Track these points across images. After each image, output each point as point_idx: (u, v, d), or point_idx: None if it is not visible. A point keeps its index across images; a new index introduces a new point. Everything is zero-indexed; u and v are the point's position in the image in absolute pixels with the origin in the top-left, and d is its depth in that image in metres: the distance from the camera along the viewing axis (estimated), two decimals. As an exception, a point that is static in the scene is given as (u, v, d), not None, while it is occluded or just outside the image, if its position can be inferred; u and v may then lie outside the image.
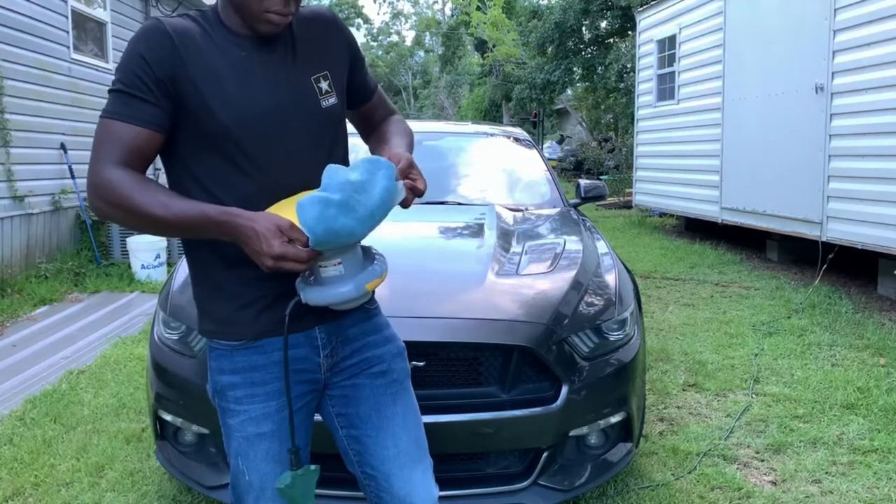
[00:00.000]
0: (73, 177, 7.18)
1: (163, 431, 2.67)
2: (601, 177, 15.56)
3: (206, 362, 1.59)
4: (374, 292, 1.60)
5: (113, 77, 1.45)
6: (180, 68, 1.41)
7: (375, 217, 1.38)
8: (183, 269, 2.94)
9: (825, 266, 6.22)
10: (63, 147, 7.15)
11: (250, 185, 1.45)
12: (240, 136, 1.44)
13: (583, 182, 4.25)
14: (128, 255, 6.95)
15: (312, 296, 1.43)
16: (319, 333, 1.55)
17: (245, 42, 1.48)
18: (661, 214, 11.18)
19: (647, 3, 11.79)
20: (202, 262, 1.53)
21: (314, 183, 1.42)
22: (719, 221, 8.27)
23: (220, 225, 1.37)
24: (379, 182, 1.36)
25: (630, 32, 15.90)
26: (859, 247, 5.85)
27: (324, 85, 1.55)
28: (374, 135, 1.75)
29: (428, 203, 3.68)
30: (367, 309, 1.64)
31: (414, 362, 2.29)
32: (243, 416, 1.51)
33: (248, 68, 1.46)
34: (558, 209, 3.90)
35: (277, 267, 1.34)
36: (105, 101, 1.45)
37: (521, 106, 22.68)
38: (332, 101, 1.56)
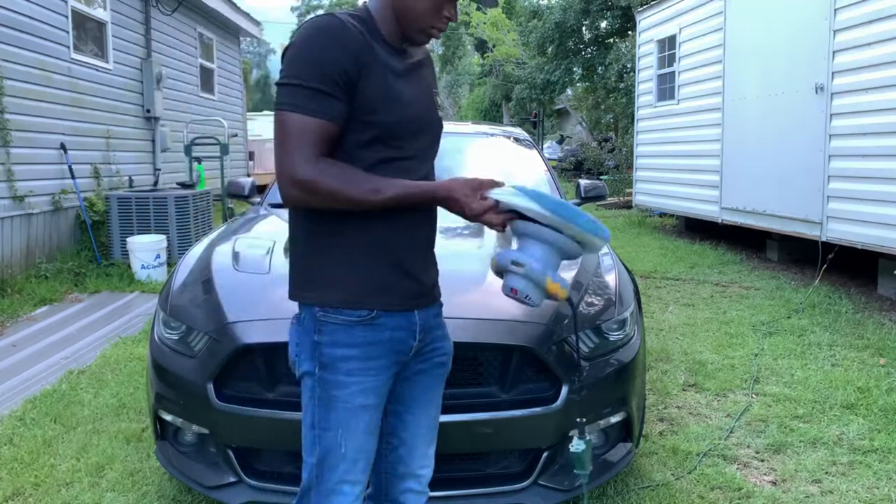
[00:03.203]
0: (73, 177, 7.17)
1: (163, 431, 2.67)
2: (601, 177, 15.56)
3: (305, 335, 1.62)
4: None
5: (289, 71, 1.51)
6: (366, 67, 1.53)
7: (560, 220, 1.51)
8: (183, 270, 2.95)
9: (825, 266, 6.22)
10: (63, 147, 7.15)
11: (409, 172, 1.62)
12: (403, 133, 1.61)
13: (583, 182, 4.25)
14: (128, 255, 6.95)
15: (501, 254, 1.57)
16: (418, 318, 1.67)
17: (397, 51, 1.64)
18: (661, 214, 11.18)
19: (647, 3, 11.79)
20: (346, 237, 1.59)
21: (433, 174, 1.75)
22: (719, 221, 8.26)
23: (426, 200, 1.57)
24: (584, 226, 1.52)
25: (630, 32, 15.90)
26: (859, 247, 5.85)
27: (437, 100, 1.81)
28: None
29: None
30: (440, 304, 1.79)
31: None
32: (354, 387, 1.59)
33: (407, 75, 1.64)
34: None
35: (480, 217, 1.54)
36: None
37: (521, 106, 22.68)
38: (440, 114, 1.81)
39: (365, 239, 1.60)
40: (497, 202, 1.53)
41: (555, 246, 1.55)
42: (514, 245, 1.61)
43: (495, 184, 1.56)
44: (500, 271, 1.59)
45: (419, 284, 1.67)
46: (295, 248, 1.68)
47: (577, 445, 1.79)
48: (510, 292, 1.57)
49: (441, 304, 1.80)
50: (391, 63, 1.61)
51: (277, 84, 1.54)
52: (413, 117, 1.64)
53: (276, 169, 1.53)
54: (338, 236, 1.60)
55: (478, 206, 1.53)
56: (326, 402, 1.60)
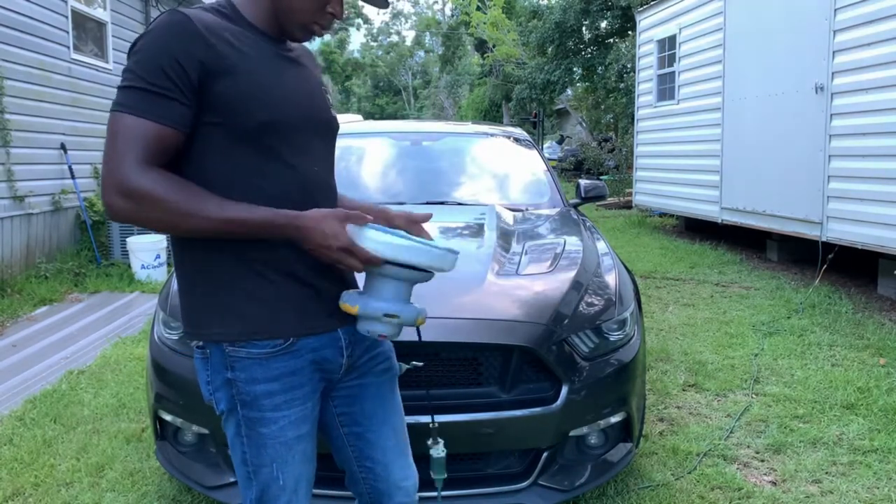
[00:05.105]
0: (73, 177, 7.18)
1: (163, 431, 2.67)
2: (601, 177, 15.56)
3: (216, 373, 1.49)
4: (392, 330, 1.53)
5: (128, 71, 1.36)
6: (215, 65, 1.37)
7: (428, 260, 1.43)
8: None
9: (825, 266, 6.22)
10: (63, 147, 7.15)
11: (286, 180, 1.46)
12: (279, 131, 1.44)
13: (583, 182, 4.25)
14: (128, 255, 6.95)
15: (364, 304, 1.45)
16: (343, 335, 1.56)
17: (270, 40, 1.50)
18: (661, 214, 11.17)
19: (647, 3, 11.79)
20: (240, 261, 1.45)
21: (332, 182, 1.58)
22: (719, 221, 8.26)
23: (283, 228, 1.38)
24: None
25: (630, 32, 15.90)
26: (859, 247, 5.85)
27: (328, 97, 1.64)
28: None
29: (428, 203, 3.68)
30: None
31: (414, 362, 2.30)
32: (283, 421, 1.48)
33: (280, 67, 1.49)
34: (558, 209, 3.89)
35: (339, 259, 1.39)
36: (117, 97, 1.36)
37: (521, 106, 22.68)
38: (333, 113, 1.64)
39: (265, 258, 1.44)
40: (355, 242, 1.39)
41: (412, 282, 1.49)
42: (364, 284, 1.49)
43: (363, 218, 1.41)
44: (364, 317, 1.46)
45: (334, 299, 1.51)
46: (184, 278, 1.49)
47: (437, 452, 1.81)
48: (378, 337, 1.48)
49: None
50: (263, 55, 1.46)
51: (119, 85, 1.38)
52: (293, 115, 1.47)
53: (102, 176, 1.34)
54: (233, 260, 1.44)
55: (342, 241, 1.37)
56: (256, 439, 1.48)
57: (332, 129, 1.60)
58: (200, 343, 1.50)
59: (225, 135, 1.41)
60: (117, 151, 1.33)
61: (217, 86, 1.37)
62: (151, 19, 9.41)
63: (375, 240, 1.39)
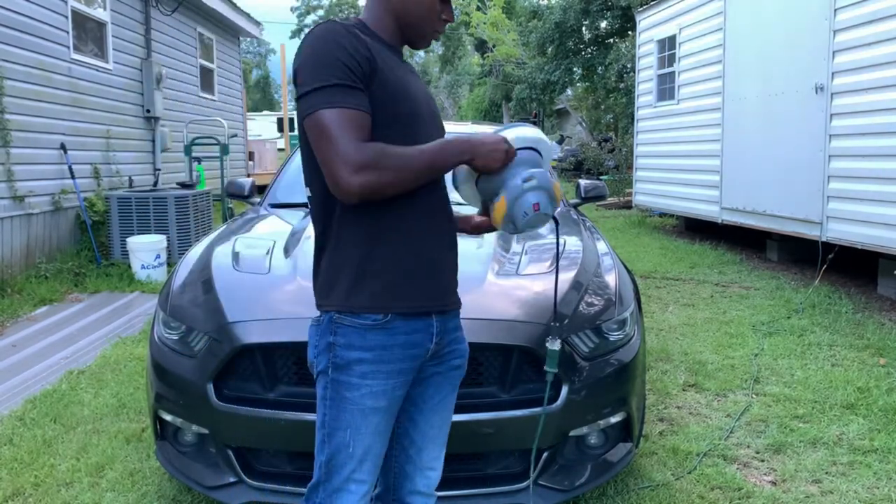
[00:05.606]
0: (73, 177, 7.17)
1: (163, 431, 2.67)
2: (601, 177, 15.55)
3: (322, 336, 1.62)
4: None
5: (310, 75, 1.51)
6: (373, 63, 1.55)
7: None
8: (183, 270, 2.95)
9: (825, 266, 6.22)
10: (63, 147, 7.15)
11: None
12: (416, 121, 1.64)
13: (583, 182, 4.26)
14: (128, 255, 6.95)
15: (506, 191, 1.64)
16: (436, 322, 1.68)
17: (395, 51, 1.69)
18: (661, 214, 11.17)
19: (647, 3, 11.79)
20: (385, 230, 1.59)
21: None
22: (719, 221, 8.26)
23: (462, 145, 1.58)
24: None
25: (630, 32, 15.90)
26: (859, 247, 5.85)
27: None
28: None
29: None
30: (459, 310, 1.81)
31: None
32: (365, 389, 1.60)
33: (405, 72, 1.68)
34: (558, 209, 3.89)
35: (502, 155, 1.62)
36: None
37: (521, 106, 22.69)
38: None
39: (390, 237, 1.60)
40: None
41: (531, 164, 1.69)
42: (499, 178, 1.67)
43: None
44: (511, 201, 1.63)
45: (439, 284, 1.68)
46: (318, 253, 1.68)
47: (553, 344, 1.92)
48: (532, 209, 1.63)
49: (458, 309, 1.79)
50: (395, 60, 1.65)
51: (299, 97, 1.53)
52: (423, 111, 1.68)
53: (328, 169, 1.48)
54: (362, 237, 1.60)
55: (500, 141, 1.62)
56: (338, 402, 1.62)
57: (443, 128, 1.80)
58: (317, 315, 1.66)
59: (383, 124, 1.56)
60: (335, 141, 1.47)
61: (373, 82, 1.55)
62: (152, 19, 9.43)
63: (510, 137, 1.67)
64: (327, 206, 1.61)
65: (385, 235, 1.60)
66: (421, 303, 1.64)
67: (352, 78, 1.50)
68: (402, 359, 1.64)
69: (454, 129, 4.87)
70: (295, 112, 1.67)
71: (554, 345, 1.90)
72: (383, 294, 1.60)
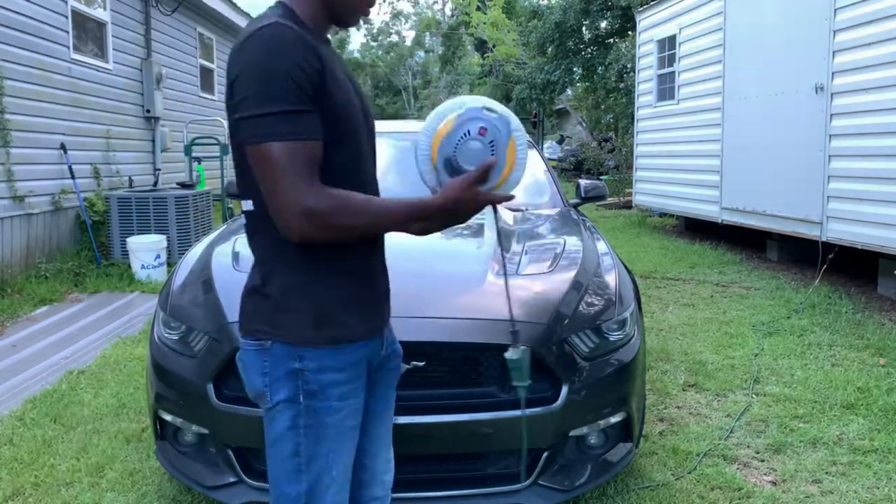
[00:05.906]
0: (73, 177, 7.17)
1: (163, 431, 2.67)
2: (601, 177, 15.55)
3: (277, 363, 1.47)
4: None
5: (259, 95, 1.34)
6: (324, 75, 1.40)
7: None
8: (183, 270, 2.95)
9: (825, 266, 6.22)
10: (63, 147, 7.15)
11: (362, 175, 1.54)
12: (358, 130, 1.51)
13: (583, 182, 4.25)
14: (128, 255, 6.95)
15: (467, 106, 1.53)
16: (384, 333, 1.65)
17: (327, 43, 1.53)
18: (661, 214, 11.17)
19: (647, 3, 11.79)
20: (342, 264, 1.50)
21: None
22: (719, 221, 8.26)
23: (444, 220, 1.48)
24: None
25: (630, 32, 15.90)
26: (859, 247, 5.85)
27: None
28: None
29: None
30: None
31: (414, 362, 2.30)
32: (346, 410, 1.52)
33: (339, 66, 1.51)
34: (558, 209, 3.89)
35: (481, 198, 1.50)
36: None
37: (521, 106, 22.67)
38: None
39: (349, 266, 1.51)
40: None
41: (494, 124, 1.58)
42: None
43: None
44: (466, 116, 1.50)
45: (388, 303, 1.65)
46: (266, 276, 1.53)
47: (514, 353, 1.64)
48: (478, 132, 1.49)
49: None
50: (333, 57, 1.49)
51: (240, 118, 1.37)
52: (359, 109, 1.54)
53: (275, 204, 1.36)
54: (320, 262, 1.48)
55: (485, 197, 1.48)
56: (316, 429, 1.50)
57: (374, 124, 1.66)
58: (254, 337, 1.51)
59: (333, 138, 1.44)
60: (286, 179, 1.34)
61: (321, 95, 1.40)
62: (152, 19, 9.43)
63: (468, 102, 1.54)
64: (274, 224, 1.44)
65: (344, 260, 1.50)
66: (381, 322, 1.60)
67: (301, 99, 1.35)
68: (364, 372, 1.58)
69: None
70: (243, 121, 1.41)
71: (514, 354, 1.63)
72: (350, 325, 1.51)
